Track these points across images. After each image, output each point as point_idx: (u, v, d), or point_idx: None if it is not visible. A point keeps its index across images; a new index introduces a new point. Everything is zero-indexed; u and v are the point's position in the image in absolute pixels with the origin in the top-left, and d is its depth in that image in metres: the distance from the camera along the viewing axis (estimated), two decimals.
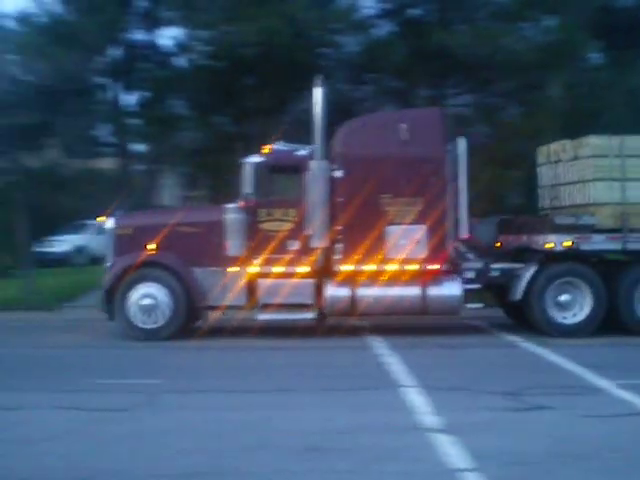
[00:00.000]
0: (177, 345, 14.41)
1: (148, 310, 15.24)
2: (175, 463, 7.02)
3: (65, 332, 16.54)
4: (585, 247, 15.09)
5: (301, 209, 15.36)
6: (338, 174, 15.42)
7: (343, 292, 15.21)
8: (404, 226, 15.23)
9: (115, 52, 28.59)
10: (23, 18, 28.60)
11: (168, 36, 28.96)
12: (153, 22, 28.46)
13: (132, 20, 28.49)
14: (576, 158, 15.66)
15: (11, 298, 20.56)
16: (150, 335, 15.11)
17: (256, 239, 15.31)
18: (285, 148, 16.03)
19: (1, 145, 28.62)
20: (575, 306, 15.20)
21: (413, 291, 15.14)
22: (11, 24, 29.04)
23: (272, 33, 23.46)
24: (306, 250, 15.30)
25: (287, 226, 15.44)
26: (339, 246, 15.25)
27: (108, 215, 16.35)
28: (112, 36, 27.79)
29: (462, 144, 15.52)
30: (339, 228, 15.23)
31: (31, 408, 9.40)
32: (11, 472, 6.84)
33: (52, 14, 28.10)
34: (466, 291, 15.25)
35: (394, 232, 15.21)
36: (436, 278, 15.30)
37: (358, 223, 15.17)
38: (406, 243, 15.28)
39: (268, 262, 15.27)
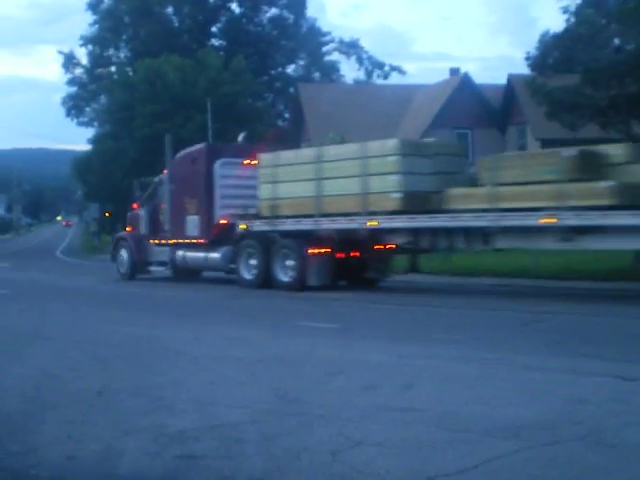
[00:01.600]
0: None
1: (123, 262, 29.70)
2: None
3: None
4: (253, 229, 23.58)
5: (164, 207, 28.11)
6: (172, 186, 27.44)
7: (180, 254, 26.91)
8: (192, 216, 26.31)
9: None
10: None
11: None
12: None
13: None
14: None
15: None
16: (121, 276, 29.44)
17: (149, 225, 29.20)
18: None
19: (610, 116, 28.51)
20: (257, 267, 23.45)
21: (202, 254, 25.89)
22: None
23: None
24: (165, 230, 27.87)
25: (160, 217, 28.52)
26: (172, 228, 27.34)
27: None
28: None
29: (217, 164, 25.63)
30: (173, 218, 27.26)
31: None
32: None
33: None
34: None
35: (190, 220, 26.44)
36: (209, 247, 25.47)
37: (178, 215, 26.95)
38: (194, 226, 26.23)
39: (156, 237, 28.42)
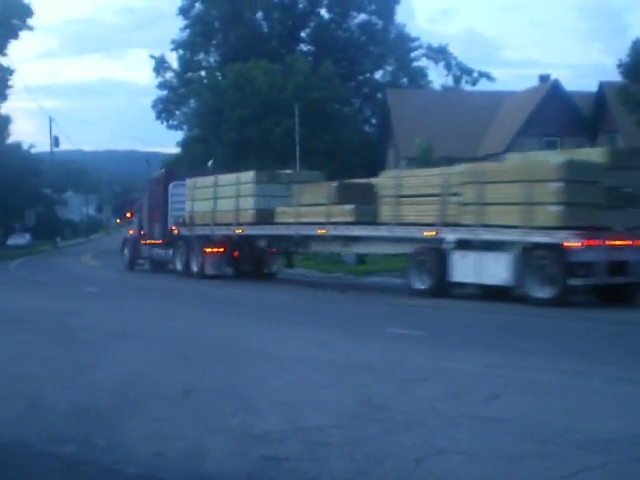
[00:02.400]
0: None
1: (125, 257, 39.00)
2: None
3: None
4: (181, 233, 32.00)
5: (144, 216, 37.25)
6: (147, 201, 36.93)
7: (153, 252, 35.57)
8: (157, 224, 34.98)
9: None
10: None
11: None
12: None
13: None
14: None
15: None
16: (124, 267, 38.35)
17: (138, 229, 37.58)
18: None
19: None
20: (183, 261, 31.81)
21: (163, 252, 34.36)
22: None
23: None
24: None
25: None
26: (148, 232, 36.13)
27: None
28: None
29: (171, 186, 33.90)
30: (148, 225, 36.25)
31: None
32: None
33: None
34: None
35: (156, 226, 35.01)
36: (166, 246, 33.83)
37: (151, 222, 36.01)
38: (158, 231, 34.68)
39: (144, 238, 36.60)
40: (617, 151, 23.25)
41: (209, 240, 30.15)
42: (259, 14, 72.31)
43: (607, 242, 19.19)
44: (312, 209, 25.51)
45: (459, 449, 6.84)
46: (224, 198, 29.49)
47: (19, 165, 70.14)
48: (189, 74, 72.96)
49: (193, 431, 7.55)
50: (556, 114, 49.91)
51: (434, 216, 21.73)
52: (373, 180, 25.53)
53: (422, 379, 10.00)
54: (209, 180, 31.15)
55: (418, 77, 74.09)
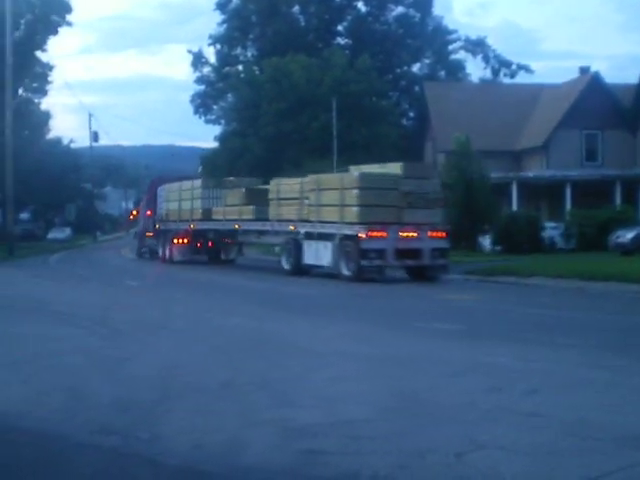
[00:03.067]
0: None
1: (134, 248, 48.16)
2: None
3: None
4: (160, 227, 39.78)
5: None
6: (145, 200, 45.61)
7: (150, 242, 42.47)
8: (150, 219, 42.34)
9: None
10: None
11: None
12: None
13: None
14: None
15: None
16: (135, 256, 46.03)
17: (142, 224, 45.42)
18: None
19: None
20: (162, 250, 39.47)
21: (154, 242, 41.45)
22: None
23: None
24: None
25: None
26: (145, 225, 44.12)
27: None
28: None
29: (159, 189, 41.46)
30: (145, 220, 43.99)
31: None
32: None
33: None
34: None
35: (150, 221, 42.41)
36: (156, 238, 40.76)
37: (147, 218, 43.45)
38: (151, 225, 42.05)
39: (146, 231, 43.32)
40: (412, 165, 29.78)
41: (176, 233, 37.86)
42: (296, 8, 72.36)
43: (399, 234, 25.38)
44: (232, 209, 33.36)
45: (500, 444, 6.80)
46: (185, 200, 37.59)
47: (60, 160, 70.86)
48: (226, 69, 73.29)
49: (232, 424, 7.58)
50: (596, 107, 49.36)
51: (295, 214, 28.80)
52: (268, 186, 31.90)
53: (460, 373, 9.97)
54: (176, 185, 39.47)
55: (456, 70, 73.79)
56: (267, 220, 30.54)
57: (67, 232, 77.30)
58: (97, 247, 65.91)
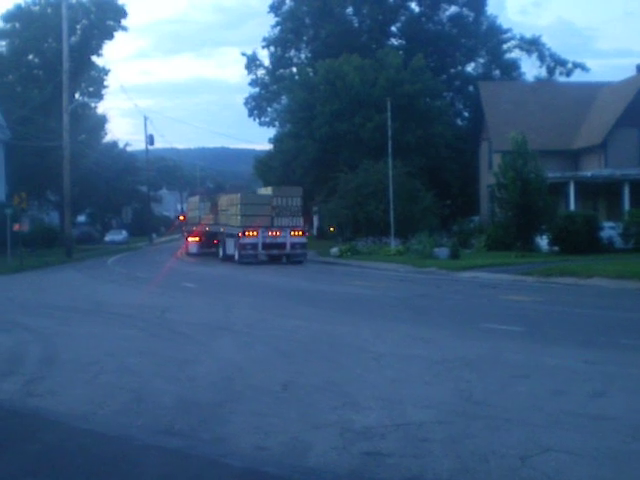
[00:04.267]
0: None
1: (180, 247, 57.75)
2: None
3: None
4: (185, 229, 56.38)
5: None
6: (186, 209, 61.53)
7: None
8: (187, 224, 54.58)
9: None
10: None
11: None
12: None
13: None
14: None
15: None
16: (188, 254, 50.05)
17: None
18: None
19: None
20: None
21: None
22: None
23: None
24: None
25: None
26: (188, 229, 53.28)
27: None
28: None
29: (190, 199, 59.68)
30: (188, 224, 53.46)
31: None
32: None
33: None
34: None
35: (188, 225, 53.67)
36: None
37: (187, 223, 54.32)
38: (188, 228, 53.05)
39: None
40: (279, 188, 42.30)
41: (190, 233, 50.28)
42: (349, 9, 72.33)
43: (268, 233, 38.38)
44: (209, 216, 46.26)
45: (565, 447, 6.73)
46: (195, 210, 50.30)
47: (116, 163, 71.67)
48: (280, 71, 73.49)
49: (294, 425, 7.61)
50: None
51: (224, 221, 42.51)
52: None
53: (522, 375, 9.86)
54: (194, 198, 53.09)
55: (510, 69, 73.10)
56: (220, 224, 43.83)
57: (124, 234, 78.10)
58: (153, 249, 66.48)
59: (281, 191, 40.63)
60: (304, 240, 39.64)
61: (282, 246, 38.80)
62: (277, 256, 39.52)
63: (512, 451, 6.65)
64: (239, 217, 38.72)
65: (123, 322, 16.05)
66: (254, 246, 38.30)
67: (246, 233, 38.12)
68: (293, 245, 38.77)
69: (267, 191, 41.39)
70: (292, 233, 38.64)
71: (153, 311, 17.75)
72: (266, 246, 38.55)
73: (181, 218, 59.98)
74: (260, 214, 38.62)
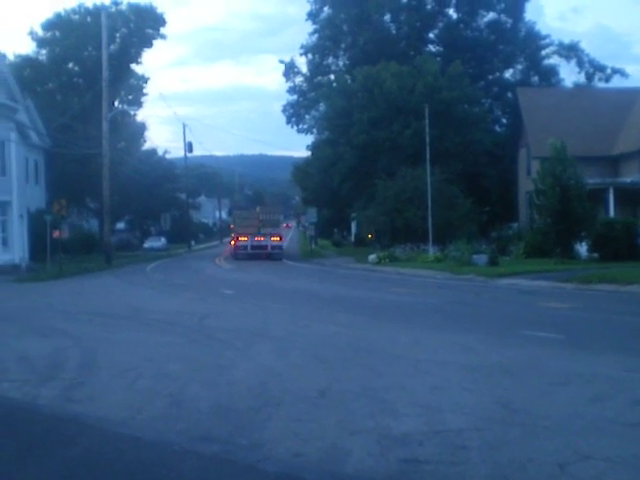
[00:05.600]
0: None
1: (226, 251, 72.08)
2: None
3: None
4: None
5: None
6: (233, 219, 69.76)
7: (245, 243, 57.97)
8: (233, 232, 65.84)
9: None
10: None
11: None
12: None
13: None
14: None
15: None
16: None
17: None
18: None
19: None
20: None
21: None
22: None
23: None
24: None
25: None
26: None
27: None
28: None
29: (235, 211, 65.41)
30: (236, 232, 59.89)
31: None
32: None
33: None
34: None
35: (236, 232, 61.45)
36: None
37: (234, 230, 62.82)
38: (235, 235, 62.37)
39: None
40: (265, 206, 58.66)
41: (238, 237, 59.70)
42: (387, 16, 72.32)
43: (255, 239, 53.55)
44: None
45: (604, 455, 6.67)
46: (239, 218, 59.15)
47: (155, 171, 72.22)
48: (318, 78, 73.63)
49: (332, 432, 7.60)
50: None
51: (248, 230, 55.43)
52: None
53: (562, 383, 9.79)
54: (240, 212, 59.77)
55: (549, 75, 72.66)
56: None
57: (162, 241, 78.66)
58: (192, 256, 66.94)
59: (267, 207, 60.54)
60: (281, 244, 57.07)
61: (265, 247, 54.30)
62: (262, 254, 53.67)
63: (550, 459, 6.60)
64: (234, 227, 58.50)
65: (161, 328, 16.17)
66: (245, 247, 54.21)
67: (239, 239, 54.83)
68: (273, 247, 54.36)
69: (257, 209, 58.59)
70: (272, 238, 54.38)
71: (192, 317, 17.88)
72: (254, 248, 53.93)
73: (231, 227, 69.14)
74: (250, 225, 54.48)
